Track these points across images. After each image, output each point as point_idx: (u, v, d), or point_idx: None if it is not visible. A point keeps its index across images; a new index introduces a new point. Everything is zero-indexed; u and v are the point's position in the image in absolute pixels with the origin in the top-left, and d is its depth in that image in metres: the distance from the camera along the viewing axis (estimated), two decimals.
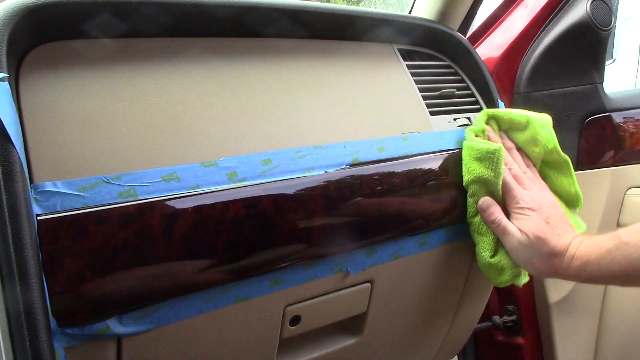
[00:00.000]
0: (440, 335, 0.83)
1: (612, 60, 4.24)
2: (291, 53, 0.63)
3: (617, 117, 0.90)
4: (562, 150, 0.70)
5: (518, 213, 0.62)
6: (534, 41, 0.86)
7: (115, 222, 0.43)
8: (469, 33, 0.93)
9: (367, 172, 0.58)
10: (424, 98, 0.71)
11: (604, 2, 0.85)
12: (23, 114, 0.43)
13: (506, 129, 0.71)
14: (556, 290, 0.90)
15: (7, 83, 0.40)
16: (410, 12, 0.89)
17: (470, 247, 0.69)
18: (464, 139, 0.67)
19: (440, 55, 0.79)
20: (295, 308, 0.58)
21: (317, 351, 0.65)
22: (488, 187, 0.64)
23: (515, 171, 0.65)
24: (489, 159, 0.62)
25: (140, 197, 0.45)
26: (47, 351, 0.39)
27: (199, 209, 0.47)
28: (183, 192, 0.47)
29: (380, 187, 0.58)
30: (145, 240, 0.44)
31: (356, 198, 0.56)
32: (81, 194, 0.42)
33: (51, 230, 0.41)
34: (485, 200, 0.63)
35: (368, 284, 0.64)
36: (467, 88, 0.78)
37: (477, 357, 1.09)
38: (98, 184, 0.43)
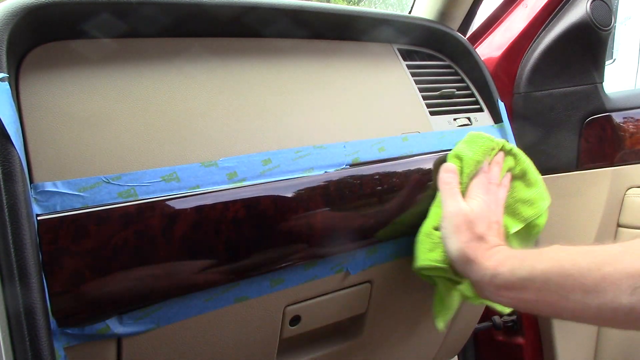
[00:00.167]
0: (440, 335, 0.83)
1: (612, 60, 4.24)
2: (291, 53, 0.63)
3: (617, 117, 0.90)
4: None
5: (472, 194, 0.60)
6: (534, 41, 0.86)
7: (115, 222, 0.43)
8: (469, 33, 0.93)
9: (367, 172, 0.58)
10: (424, 98, 0.71)
11: (604, 2, 0.85)
12: (23, 114, 0.43)
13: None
14: None
15: (7, 83, 0.40)
16: (410, 12, 0.89)
17: None
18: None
19: (440, 55, 0.79)
20: (295, 308, 0.58)
21: (317, 351, 0.65)
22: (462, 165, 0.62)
23: (491, 178, 0.63)
24: (481, 144, 0.62)
25: (140, 197, 0.45)
26: (47, 351, 0.39)
27: (199, 209, 0.47)
28: (183, 192, 0.47)
29: (380, 187, 0.58)
30: (145, 240, 0.44)
31: (356, 198, 0.57)
32: (81, 194, 0.42)
33: (51, 230, 0.41)
34: (451, 165, 0.61)
35: (368, 284, 0.64)
36: (467, 88, 0.78)
37: (477, 357, 1.09)
38: (98, 184, 0.43)
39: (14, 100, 0.42)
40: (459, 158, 0.62)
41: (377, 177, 0.58)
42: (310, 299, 0.59)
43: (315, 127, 0.59)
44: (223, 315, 0.52)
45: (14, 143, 0.39)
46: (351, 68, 0.67)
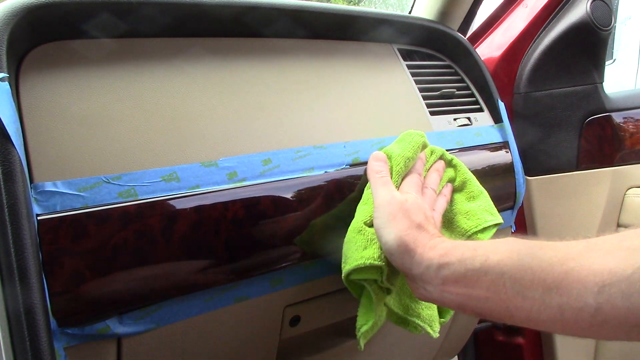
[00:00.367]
0: (440, 335, 0.83)
1: (612, 61, 4.25)
2: (291, 53, 0.63)
3: (617, 117, 0.91)
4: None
5: (405, 190, 0.53)
6: (534, 41, 0.87)
7: (115, 222, 0.43)
8: (469, 33, 0.93)
9: None
10: (424, 98, 0.71)
11: (604, 2, 0.85)
12: (23, 114, 0.43)
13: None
14: None
15: (7, 83, 0.40)
16: (410, 12, 0.89)
17: None
18: (464, 139, 0.67)
19: (440, 55, 0.79)
20: (295, 308, 0.58)
21: (316, 352, 0.65)
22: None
23: (429, 183, 0.58)
24: (409, 140, 0.57)
25: (140, 197, 0.45)
26: (47, 351, 0.39)
27: (198, 209, 0.47)
28: (183, 192, 0.47)
29: None
30: (145, 240, 0.44)
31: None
32: (81, 194, 0.42)
33: (51, 230, 0.41)
34: (381, 153, 0.55)
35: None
36: (467, 88, 0.78)
37: (477, 357, 1.09)
38: (98, 184, 0.43)
39: (14, 100, 0.42)
40: (388, 155, 0.55)
41: None
42: (310, 299, 0.59)
43: (316, 127, 0.59)
44: (223, 315, 0.52)
45: (14, 143, 0.39)
46: (351, 68, 0.67)
